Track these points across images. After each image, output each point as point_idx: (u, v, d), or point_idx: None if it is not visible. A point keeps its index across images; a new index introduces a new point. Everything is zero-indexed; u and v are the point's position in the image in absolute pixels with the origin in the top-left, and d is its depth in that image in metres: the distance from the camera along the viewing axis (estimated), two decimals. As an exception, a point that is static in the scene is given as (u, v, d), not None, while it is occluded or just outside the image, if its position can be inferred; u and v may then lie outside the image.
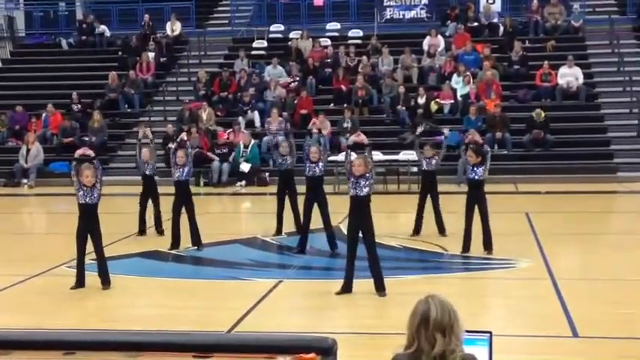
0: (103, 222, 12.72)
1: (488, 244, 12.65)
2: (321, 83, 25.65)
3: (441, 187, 14.45)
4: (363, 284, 11.24)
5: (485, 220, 12.56)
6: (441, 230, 14.08)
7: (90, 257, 12.83)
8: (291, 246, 13.56)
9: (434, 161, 14.03)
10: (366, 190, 10.19)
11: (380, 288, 10.44)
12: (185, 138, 17.26)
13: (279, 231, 14.33)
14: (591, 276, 11.70)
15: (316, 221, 13.25)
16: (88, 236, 10.91)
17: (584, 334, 8.67)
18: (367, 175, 10.23)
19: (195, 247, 13.40)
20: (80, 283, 10.95)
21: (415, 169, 18.67)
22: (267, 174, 21.87)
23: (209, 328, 8.95)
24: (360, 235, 10.41)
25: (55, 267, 12.26)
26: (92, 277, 11.82)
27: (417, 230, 14.06)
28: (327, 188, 13.91)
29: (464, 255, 12.66)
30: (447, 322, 3.90)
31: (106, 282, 11.04)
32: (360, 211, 10.25)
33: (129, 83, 26.09)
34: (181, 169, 13.36)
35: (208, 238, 14.03)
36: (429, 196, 14.07)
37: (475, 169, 12.46)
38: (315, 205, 13.08)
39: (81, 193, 10.82)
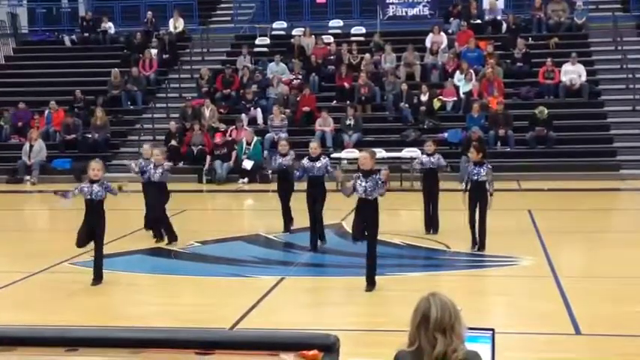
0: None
1: (481, 243, 12.66)
2: (324, 80, 25.63)
3: (443, 185, 14.42)
4: (365, 281, 11.24)
5: (482, 220, 12.59)
6: (435, 227, 13.94)
7: (91, 255, 12.89)
8: (294, 243, 13.59)
9: (434, 159, 13.84)
10: (374, 194, 10.35)
11: (370, 282, 10.53)
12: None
13: (287, 228, 14.31)
14: (594, 273, 11.69)
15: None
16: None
17: (587, 331, 8.67)
18: (376, 178, 10.35)
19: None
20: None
21: (418, 166, 18.61)
22: (269, 171, 21.86)
23: (212, 324, 8.95)
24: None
25: (57, 264, 12.27)
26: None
27: (428, 227, 13.96)
28: (329, 185, 13.90)
29: (467, 252, 12.69)
30: (448, 322, 3.89)
31: (97, 278, 11.00)
32: (367, 211, 10.44)
33: (131, 80, 26.10)
34: (157, 169, 13.34)
35: (211, 235, 14.04)
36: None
37: (477, 169, 12.47)
38: None
39: (85, 189, 10.97)
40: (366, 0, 28.92)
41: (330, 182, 13.78)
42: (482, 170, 12.45)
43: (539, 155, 22.26)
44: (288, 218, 14.26)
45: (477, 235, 12.66)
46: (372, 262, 10.55)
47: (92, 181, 11.06)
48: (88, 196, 10.97)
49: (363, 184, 10.34)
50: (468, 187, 12.60)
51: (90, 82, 26.84)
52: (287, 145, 14.32)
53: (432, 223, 13.96)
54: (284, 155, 14.06)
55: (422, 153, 14.20)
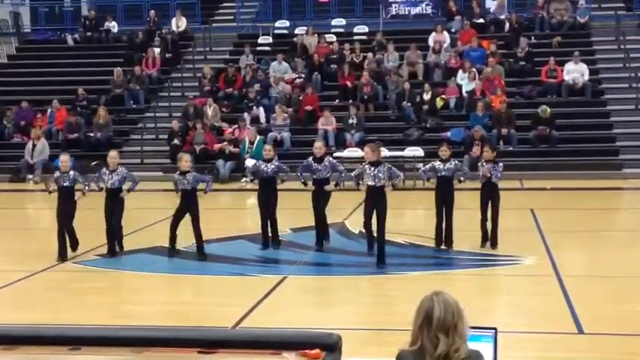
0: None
1: (494, 240, 12.68)
2: (327, 79, 25.62)
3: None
4: (367, 280, 11.28)
5: (495, 218, 12.63)
6: (448, 242, 12.77)
7: (94, 253, 12.92)
8: (296, 242, 13.60)
9: (452, 165, 12.72)
10: (382, 182, 11.71)
11: (380, 261, 11.69)
12: None
13: (265, 244, 13.26)
14: (596, 272, 11.68)
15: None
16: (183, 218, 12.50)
17: (590, 330, 8.67)
18: (382, 168, 11.72)
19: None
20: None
21: (421, 165, 18.52)
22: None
23: (214, 323, 8.96)
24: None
25: (59, 263, 12.29)
26: (97, 273, 11.86)
27: (439, 241, 12.82)
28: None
29: (469, 251, 12.70)
30: (450, 322, 3.88)
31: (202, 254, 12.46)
32: (377, 196, 11.72)
33: (134, 79, 26.10)
34: (111, 175, 12.69)
35: (213, 234, 14.02)
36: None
37: (490, 167, 12.54)
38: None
39: (180, 180, 12.36)
40: (369, -1, 28.95)
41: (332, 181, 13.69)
42: (497, 168, 12.57)
43: (542, 154, 22.24)
44: (270, 233, 13.20)
45: (490, 233, 12.70)
46: (382, 240, 11.74)
47: (183, 173, 12.37)
48: (181, 187, 12.38)
49: (373, 172, 11.66)
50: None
51: (92, 81, 26.86)
52: (272, 151, 13.58)
53: (445, 238, 12.78)
54: (268, 161, 13.27)
55: (438, 160, 12.95)
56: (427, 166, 13.33)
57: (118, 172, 12.74)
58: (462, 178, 12.95)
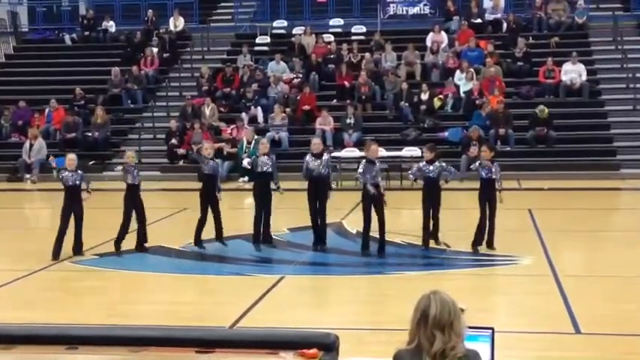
0: (106, 217, 12.76)
1: (490, 241, 12.68)
2: (324, 79, 25.62)
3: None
4: (365, 280, 11.28)
5: (492, 218, 12.60)
6: (434, 237, 12.82)
7: (92, 252, 12.91)
8: (294, 241, 13.60)
9: (434, 167, 12.67)
10: (378, 179, 12.23)
11: (380, 250, 12.31)
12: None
13: (256, 238, 13.35)
14: (594, 272, 11.70)
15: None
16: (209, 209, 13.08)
17: (587, 330, 8.68)
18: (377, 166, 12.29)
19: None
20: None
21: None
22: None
23: (212, 323, 8.97)
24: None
25: (57, 262, 12.28)
26: (95, 273, 11.86)
27: (426, 242, 12.79)
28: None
29: (467, 251, 12.69)
30: (447, 320, 3.90)
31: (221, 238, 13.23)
32: (375, 195, 12.16)
33: (132, 79, 26.09)
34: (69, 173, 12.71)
35: (211, 234, 14.01)
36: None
37: (487, 167, 12.53)
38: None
39: (204, 165, 13.09)
40: (367, -1, 28.95)
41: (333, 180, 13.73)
42: (492, 169, 12.53)
43: (540, 154, 22.25)
44: (264, 229, 13.33)
45: (487, 234, 12.66)
46: (383, 229, 12.23)
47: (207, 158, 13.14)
48: (206, 171, 13.16)
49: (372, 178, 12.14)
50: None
51: (90, 80, 26.86)
52: (268, 145, 13.63)
53: (432, 235, 12.80)
54: (265, 155, 13.27)
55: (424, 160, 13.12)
56: (414, 168, 13.36)
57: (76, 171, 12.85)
58: (447, 179, 12.90)
